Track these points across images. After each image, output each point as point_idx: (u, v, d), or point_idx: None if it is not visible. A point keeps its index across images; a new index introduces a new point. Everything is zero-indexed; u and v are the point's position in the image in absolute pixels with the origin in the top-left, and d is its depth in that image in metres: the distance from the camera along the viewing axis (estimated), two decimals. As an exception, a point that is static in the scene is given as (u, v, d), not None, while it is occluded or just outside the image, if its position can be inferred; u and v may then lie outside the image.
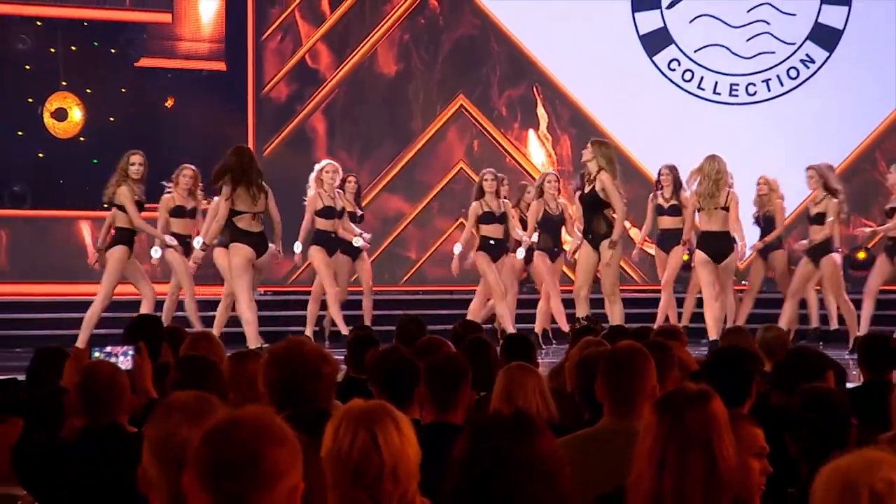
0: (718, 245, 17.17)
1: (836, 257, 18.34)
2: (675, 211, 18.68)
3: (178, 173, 17.77)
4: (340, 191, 19.01)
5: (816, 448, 5.43)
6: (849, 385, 8.88)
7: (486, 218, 18.56)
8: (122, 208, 17.09)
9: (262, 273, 18.07)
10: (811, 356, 8.36)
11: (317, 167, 18.82)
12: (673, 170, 18.68)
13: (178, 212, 17.83)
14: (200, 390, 6.40)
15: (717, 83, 22.78)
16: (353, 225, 19.18)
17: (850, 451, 3.65)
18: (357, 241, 18.82)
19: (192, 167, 17.95)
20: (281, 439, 3.58)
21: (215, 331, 17.01)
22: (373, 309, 19.38)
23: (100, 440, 5.88)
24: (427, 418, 6.50)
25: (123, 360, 7.14)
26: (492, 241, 18.58)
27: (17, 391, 9.27)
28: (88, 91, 22.16)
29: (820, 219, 18.17)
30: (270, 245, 17.27)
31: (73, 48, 22.21)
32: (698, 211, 17.51)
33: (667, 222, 18.82)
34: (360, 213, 18.84)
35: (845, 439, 5.63)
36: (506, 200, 18.87)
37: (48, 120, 22.00)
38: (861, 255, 21.16)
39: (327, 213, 18.43)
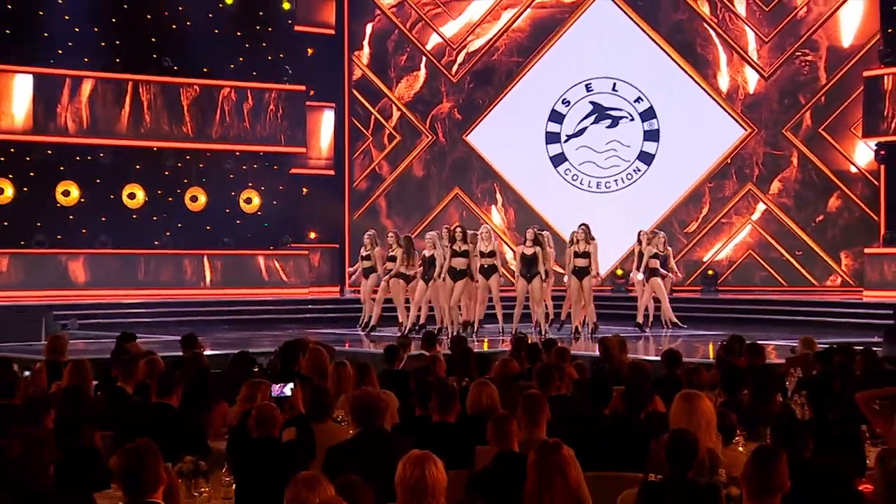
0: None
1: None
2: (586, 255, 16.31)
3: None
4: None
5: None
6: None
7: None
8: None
9: None
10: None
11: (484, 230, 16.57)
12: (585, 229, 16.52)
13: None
14: (322, 404, 6.28)
15: (589, 182, 22.40)
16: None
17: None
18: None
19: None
20: None
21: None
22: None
23: (263, 446, 5.54)
24: (435, 418, 6.29)
25: (285, 389, 6.70)
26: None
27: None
28: (262, 188, 21.99)
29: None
30: None
31: (255, 166, 22.02)
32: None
33: (580, 262, 16.31)
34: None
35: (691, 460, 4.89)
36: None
37: (242, 203, 21.87)
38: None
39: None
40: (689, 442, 4.70)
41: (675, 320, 17.43)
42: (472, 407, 6.66)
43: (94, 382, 8.66)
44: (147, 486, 4.06)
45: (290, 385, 6.63)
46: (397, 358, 9.47)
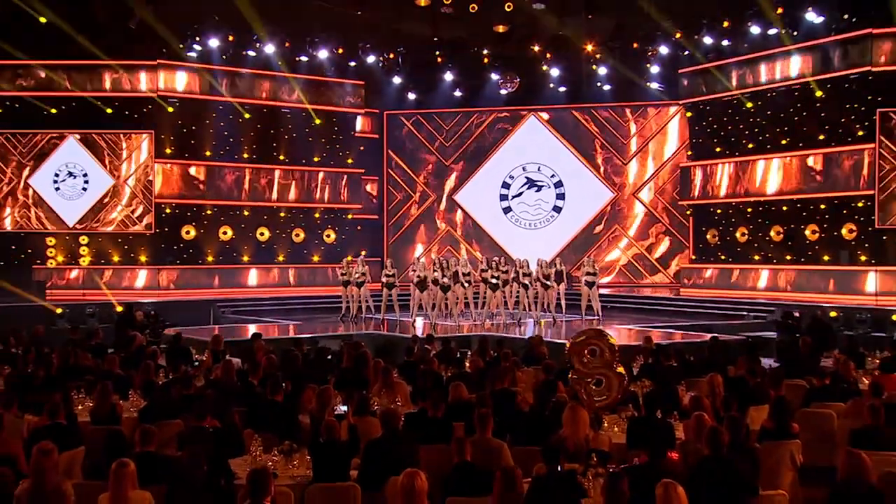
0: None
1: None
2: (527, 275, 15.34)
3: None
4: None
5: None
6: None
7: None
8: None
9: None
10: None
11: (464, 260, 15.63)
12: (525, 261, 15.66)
13: None
14: (364, 405, 6.03)
15: (525, 223, 22.03)
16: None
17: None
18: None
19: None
20: None
21: None
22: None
23: (328, 446, 4.99)
24: (430, 413, 5.75)
25: (342, 408, 6.07)
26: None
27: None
28: (336, 228, 21.33)
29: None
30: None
31: (332, 216, 21.23)
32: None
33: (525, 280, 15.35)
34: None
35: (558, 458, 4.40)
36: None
37: (324, 237, 21.02)
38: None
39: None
40: (555, 447, 4.39)
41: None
42: (451, 399, 6.45)
43: (236, 362, 8.46)
44: (264, 493, 3.97)
45: (344, 407, 6.37)
46: (413, 351, 9.17)
